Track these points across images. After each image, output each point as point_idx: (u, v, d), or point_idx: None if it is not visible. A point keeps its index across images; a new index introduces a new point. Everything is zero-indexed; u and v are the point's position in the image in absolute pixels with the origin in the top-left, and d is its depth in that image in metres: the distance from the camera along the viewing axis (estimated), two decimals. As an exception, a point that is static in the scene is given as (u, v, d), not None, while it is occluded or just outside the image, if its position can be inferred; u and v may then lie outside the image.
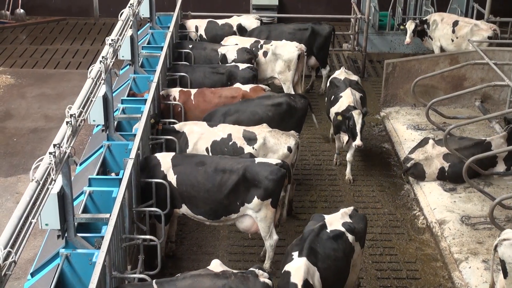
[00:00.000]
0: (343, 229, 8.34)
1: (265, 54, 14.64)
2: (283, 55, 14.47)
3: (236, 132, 10.90)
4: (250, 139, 10.81)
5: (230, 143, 10.81)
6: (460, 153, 11.84)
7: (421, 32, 17.21)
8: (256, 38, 15.29)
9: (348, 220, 8.53)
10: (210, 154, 10.78)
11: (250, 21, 16.58)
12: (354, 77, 13.56)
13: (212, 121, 11.51)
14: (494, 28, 15.95)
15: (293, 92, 14.27)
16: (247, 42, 14.97)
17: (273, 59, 14.58)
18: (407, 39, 17.14)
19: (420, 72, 15.04)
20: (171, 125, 11.18)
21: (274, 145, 10.83)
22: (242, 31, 16.35)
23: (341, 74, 13.53)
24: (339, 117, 12.19)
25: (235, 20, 16.58)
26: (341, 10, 21.32)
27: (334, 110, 12.66)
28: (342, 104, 12.53)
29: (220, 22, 16.54)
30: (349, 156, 12.81)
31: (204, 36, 16.27)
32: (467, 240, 10.67)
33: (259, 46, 14.78)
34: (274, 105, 11.94)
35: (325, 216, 8.57)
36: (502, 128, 13.37)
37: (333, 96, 12.99)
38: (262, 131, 10.92)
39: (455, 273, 10.11)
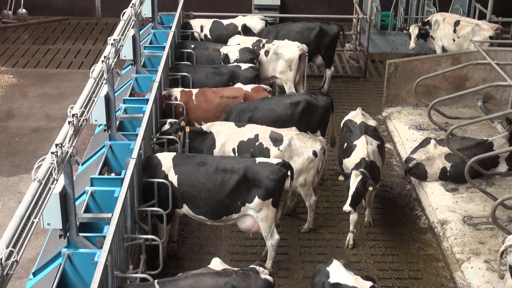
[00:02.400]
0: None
1: (266, 53, 14.64)
2: (284, 55, 14.48)
3: (264, 133, 10.87)
4: (277, 140, 10.76)
5: (257, 143, 10.79)
6: (462, 153, 11.83)
7: (424, 34, 17.23)
8: (259, 38, 15.31)
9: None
10: (236, 154, 10.74)
11: (255, 21, 16.60)
12: (372, 122, 11.66)
13: (230, 118, 11.56)
14: (497, 28, 15.93)
15: (294, 92, 14.27)
16: (249, 41, 14.98)
17: (274, 58, 14.59)
18: (412, 44, 17.12)
19: (422, 72, 15.04)
20: (199, 127, 11.17)
21: (300, 148, 10.74)
22: (247, 31, 16.36)
23: (357, 116, 11.68)
24: (340, 177, 10.56)
25: (240, 20, 16.59)
26: (343, 10, 21.32)
27: (348, 163, 10.93)
28: (356, 157, 10.69)
29: (225, 22, 16.55)
30: (365, 203, 11.28)
31: (209, 36, 16.27)
32: (469, 240, 10.66)
33: (261, 45, 14.78)
34: (292, 104, 11.94)
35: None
36: (504, 128, 13.36)
37: (346, 144, 11.22)
38: (289, 133, 10.86)
39: (457, 273, 10.11)
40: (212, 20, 16.58)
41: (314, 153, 10.73)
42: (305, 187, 10.91)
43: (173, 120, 11.31)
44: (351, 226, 10.77)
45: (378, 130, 11.68)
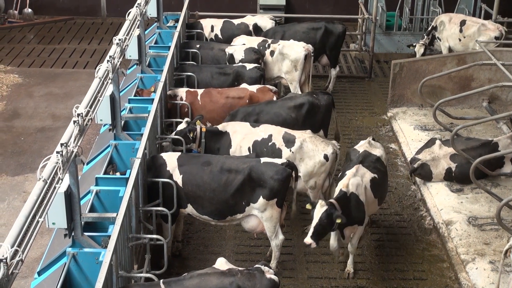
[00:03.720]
0: None
1: (272, 53, 14.65)
2: (290, 55, 14.47)
3: (277, 134, 10.87)
4: (289, 141, 10.74)
5: (270, 143, 10.79)
6: (467, 153, 11.81)
7: (431, 40, 17.26)
8: (264, 38, 15.30)
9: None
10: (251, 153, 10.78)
11: (265, 20, 16.62)
12: (377, 152, 10.58)
13: (235, 121, 11.54)
14: (501, 28, 15.91)
15: (300, 92, 14.26)
16: (255, 41, 14.98)
17: (280, 58, 14.59)
18: None
19: (427, 73, 15.01)
20: (215, 126, 11.16)
21: (311, 151, 10.70)
22: (257, 30, 16.37)
23: (362, 146, 10.68)
24: (308, 206, 9.40)
25: (250, 20, 16.60)
26: (348, 10, 21.29)
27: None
28: (338, 187, 9.80)
29: (236, 21, 16.56)
30: (350, 247, 10.12)
31: (220, 36, 16.27)
32: (474, 241, 10.64)
33: (266, 46, 14.78)
34: (296, 106, 11.93)
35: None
36: (510, 129, 13.33)
37: (341, 173, 10.42)
38: (302, 135, 10.84)
39: (462, 274, 10.09)
40: (223, 20, 16.59)
41: (326, 157, 10.67)
42: (315, 190, 10.88)
43: (189, 120, 11.29)
44: (336, 258, 10.26)
45: (384, 160, 10.55)
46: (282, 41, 14.88)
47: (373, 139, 10.84)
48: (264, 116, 11.75)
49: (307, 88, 14.86)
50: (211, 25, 16.41)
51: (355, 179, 9.72)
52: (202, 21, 16.58)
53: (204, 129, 10.97)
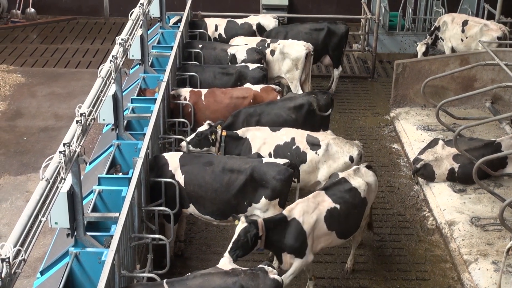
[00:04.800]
0: None
1: (272, 53, 14.65)
2: (291, 54, 14.49)
3: (300, 137, 10.79)
4: (314, 144, 10.67)
5: (293, 147, 10.71)
6: (470, 154, 11.80)
7: (434, 40, 17.25)
8: (263, 38, 15.32)
9: None
10: (273, 158, 10.66)
11: (268, 20, 16.63)
12: (357, 182, 9.47)
13: (237, 122, 11.54)
14: (503, 28, 15.90)
15: (300, 92, 14.25)
16: (254, 41, 15.01)
17: (280, 58, 14.59)
18: None
19: (430, 73, 15.00)
20: (235, 132, 11.07)
21: (336, 153, 10.62)
22: (261, 30, 16.38)
23: (347, 172, 9.73)
24: (235, 221, 8.68)
25: (254, 20, 16.62)
26: (351, 10, 21.28)
27: None
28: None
29: (240, 21, 16.57)
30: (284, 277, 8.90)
31: (224, 36, 16.28)
32: (477, 241, 10.63)
33: (266, 45, 14.80)
34: (296, 107, 11.90)
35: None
36: (513, 129, 13.32)
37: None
38: (326, 137, 10.76)
39: (465, 275, 10.08)
40: (226, 19, 16.60)
41: (351, 158, 10.60)
42: None
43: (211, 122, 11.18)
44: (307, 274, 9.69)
45: (362, 191, 9.40)
46: (282, 41, 14.90)
47: (369, 167, 9.90)
48: (265, 117, 11.74)
49: (308, 87, 14.87)
50: (215, 25, 16.42)
51: (305, 206, 8.93)
52: (207, 20, 16.59)
53: (224, 133, 10.87)
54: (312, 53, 14.61)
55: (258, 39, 15.18)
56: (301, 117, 11.86)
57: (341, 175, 9.55)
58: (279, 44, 14.70)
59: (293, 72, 14.55)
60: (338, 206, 9.16)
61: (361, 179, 9.51)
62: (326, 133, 10.99)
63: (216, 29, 16.37)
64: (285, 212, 8.90)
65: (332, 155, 10.63)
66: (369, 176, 9.71)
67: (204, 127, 11.01)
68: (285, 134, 10.88)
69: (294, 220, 8.78)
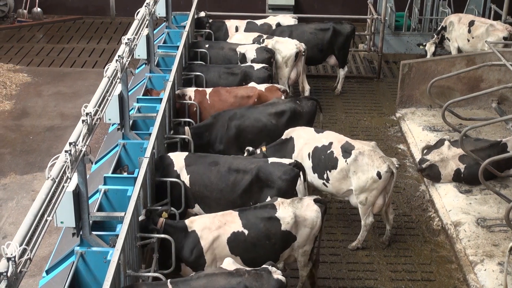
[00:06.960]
0: None
1: None
2: (281, 51, 14.54)
3: (338, 142, 10.59)
4: (346, 151, 10.41)
5: (328, 151, 10.55)
6: (476, 154, 11.77)
7: (440, 40, 17.24)
8: (259, 33, 15.33)
9: None
10: (310, 159, 10.59)
11: (287, 19, 16.67)
12: (288, 213, 8.68)
13: (219, 124, 11.47)
14: (509, 29, 15.86)
15: (287, 89, 13.99)
16: (250, 37, 15.06)
17: None
18: None
19: (436, 73, 14.96)
20: (281, 138, 10.95)
21: (365, 165, 10.26)
22: None
23: (289, 201, 8.94)
24: (164, 214, 8.73)
25: (273, 20, 16.66)
26: (357, 11, 21.25)
27: None
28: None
29: (259, 22, 16.61)
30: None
31: None
32: (483, 242, 10.60)
33: (260, 41, 14.84)
34: (277, 113, 11.77)
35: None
36: (519, 130, 13.29)
37: None
38: (362, 147, 10.41)
39: (470, 276, 10.05)
40: (246, 21, 16.62)
41: (378, 174, 10.24)
42: (365, 206, 10.48)
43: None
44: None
45: (288, 225, 8.63)
46: (276, 37, 14.93)
47: (317, 200, 8.93)
48: (245, 121, 11.64)
49: (307, 85, 14.87)
50: (235, 26, 16.45)
51: (208, 221, 8.53)
52: (227, 21, 16.60)
53: (264, 149, 10.68)
54: (303, 53, 14.59)
55: (255, 34, 15.23)
56: (282, 123, 11.76)
57: (278, 200, 8.86)
58: (272, 39, 14.76)
59: (283, 69, 14.60)
60: (246, 231, 8.52)
61: (291, 211, 8.65)
62: (368, 143, 10.68)
63: (236, 31, 16.38)
64: (187, 221, 8.55)
65: (361, 166, 10.30)
66: (309, 210, 8.76)
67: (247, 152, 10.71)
68: (326, 137, 10.70)
69: (193, 234, 8.46)
